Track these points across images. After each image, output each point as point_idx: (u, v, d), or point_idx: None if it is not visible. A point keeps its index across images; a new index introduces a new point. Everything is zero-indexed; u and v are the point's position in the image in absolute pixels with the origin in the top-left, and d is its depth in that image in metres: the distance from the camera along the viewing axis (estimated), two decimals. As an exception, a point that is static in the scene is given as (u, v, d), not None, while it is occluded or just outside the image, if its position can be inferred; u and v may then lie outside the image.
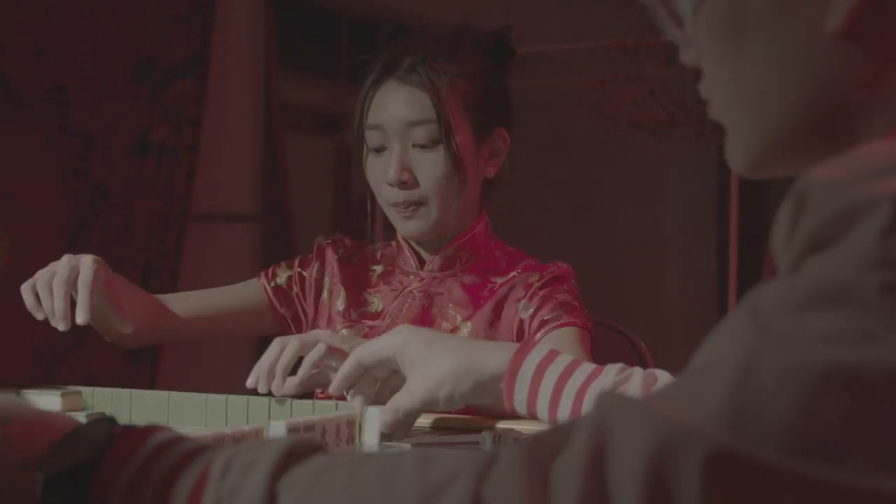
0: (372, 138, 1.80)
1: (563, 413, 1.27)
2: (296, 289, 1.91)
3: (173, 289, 4.00)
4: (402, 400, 1.30)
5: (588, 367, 1.29)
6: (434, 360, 1.31)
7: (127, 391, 1.50)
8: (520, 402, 1.29)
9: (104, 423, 0.77)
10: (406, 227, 1.80)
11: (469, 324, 1.79)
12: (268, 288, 1.90)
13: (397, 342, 1.33)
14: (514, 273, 1.82)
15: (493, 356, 1.32)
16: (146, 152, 4.05)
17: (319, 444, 0.74)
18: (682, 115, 3.96)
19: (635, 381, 1.26)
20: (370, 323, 1.85)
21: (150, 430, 0.77)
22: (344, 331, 1.84)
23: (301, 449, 0.72)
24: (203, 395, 1.48)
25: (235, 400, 1.40)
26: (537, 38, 5.35)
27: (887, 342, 0.60)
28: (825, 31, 0.76)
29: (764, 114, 0.80)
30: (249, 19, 4.41)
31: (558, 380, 1.28)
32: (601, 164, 5.65)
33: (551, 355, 1.31)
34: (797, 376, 0.60)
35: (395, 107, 1.78)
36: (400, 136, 1.78)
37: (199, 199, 4.16)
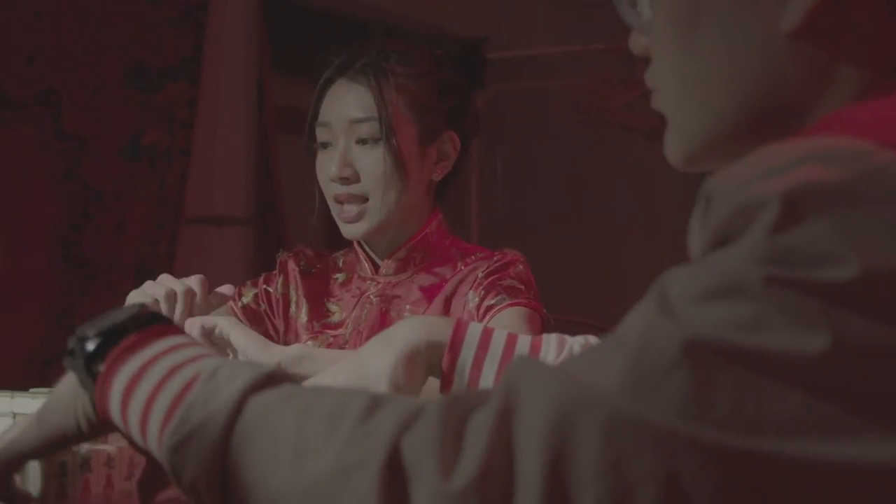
0: (320, 135, 1.86)
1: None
2: (263, 306, 1.93)
3: (166, 292, 4.00)
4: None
5: (528, 339, 1.32)
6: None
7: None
8: (462, 367, 1.30)
9: (143, 311, 0.89)
10: (348, 229, 1.84)
11: None
12: (236, 309, 1.92)
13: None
14: (460, 267, 1.84)
15: (408, 328, 1.35)
16: (139, 155, 4.04)
17: (300, 378, 0.80)
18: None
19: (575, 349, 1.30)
20: (333, 333, 1.88)
21: (165, 329, 0.87)
22: (310, 342, 1.86)
23: (280, 376, 0.79)
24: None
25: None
26: (529, 41, 5.35)
27: (777, 331, 0.63)
28: (780, 30, 0.78)
29: (710, 105, 0.82)
30: (242, 22, 4.40)
31: (506, 346, 1.30)
32: (594, 166, 5.66)
33: (489, 330, 1.33)
34: (691, 353, 0.64)
35: (342, 104, 1.83)
36: (345, 133, 1.82)
37: (192, 202, 4.16)
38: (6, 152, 3.84)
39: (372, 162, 1.81)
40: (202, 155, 4.18)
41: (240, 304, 1.92)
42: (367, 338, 1.80)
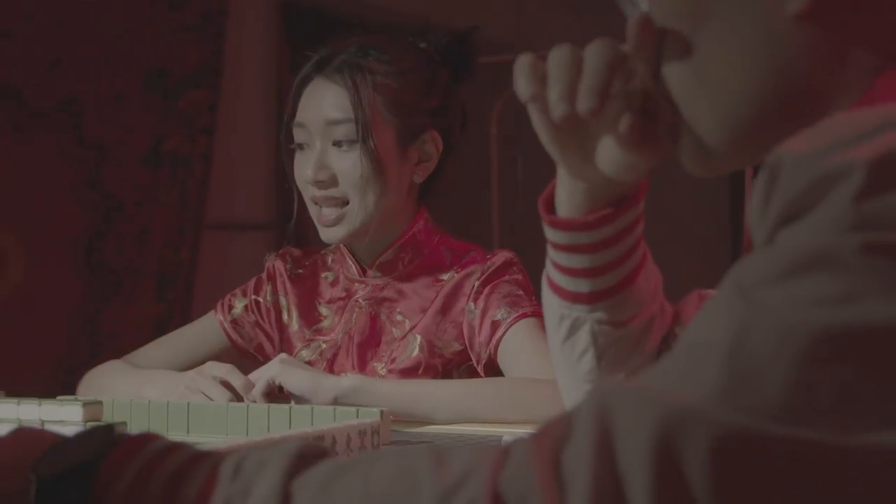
0: (297, 135, 1.79)
1: None
2: (254, 317, 1.88)
3: (188, 298, 4.01)
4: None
5: None
6: None
7: (145, 401, 1.50)
8: None
9: (102, 430, 0.76)
10: (327, 233, 1.78)
11: (418, 336, 1.76)
12: (225, 324, 1.88)
13: None
14: (455, 269, 1.79)
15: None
16: (160, 162, 4.05)
17: (327, 450, 0.74)
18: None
19: None
20: (324, 339, 1.84)
21: (153, 435, 0.76)
22: (304, 352, 1.83)
23: (310, 452, 0.71)
24: (223, 404, 1.48)
25: (256, 408, 1.40)
26: (549, 43, 5.34)
27: (870, 301, 0.61)
28: (787, 13, 0.76)
29: (722, 100, 0.80)
30: (260, 28, 4.41)
31: None
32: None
33: None
34: (787, 345, 0.61)
35: (318, 105, 1.77)
36: (321, 135, 1.76)
37: (214, 208, 4.16)
38: (28, 161, 3.85)
39: (349, 164, 1.74)
40: (223, 161, 4.19)
41: (229, 317, 1.88)
42: (359, 343, 1.79)
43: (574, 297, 1.07)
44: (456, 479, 0.64)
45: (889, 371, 0.60)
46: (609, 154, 0.96)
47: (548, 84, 0.91)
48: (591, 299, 1.07)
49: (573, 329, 1.08)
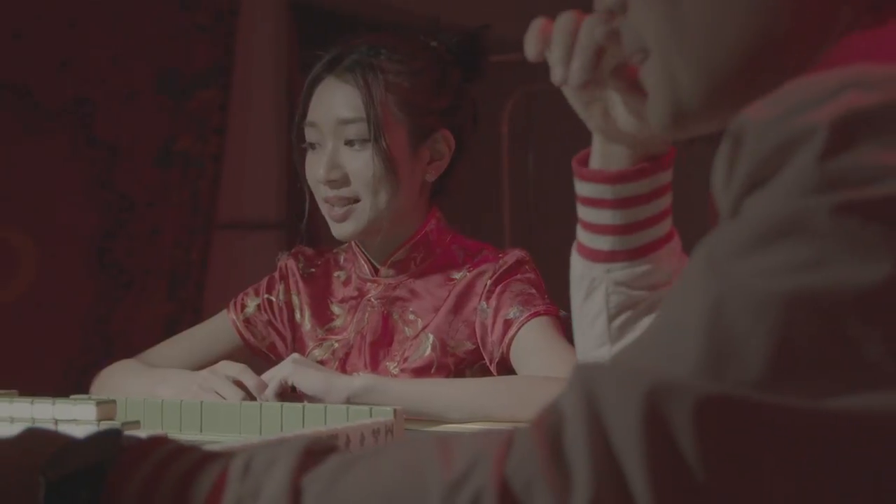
0: (308, 135, 1.79)
1: None
2: (266, 316, 1.88)
3: (200, 298, 4.01)
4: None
5: None
6: None
7: (158, 400, 1.50)
8: None
9: (111, 433, 0.76)
10: (338, 229, 1.77)
11: (430, 335, 1.76)
12: (238, 323, 1.88)
13: None
14: (467, 268, 1.79)
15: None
16: (171, 162, 4.06)
17: (335, 445, 0.74)
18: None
19: None
20: (337, 338, 1.84)
21: (162, 438, 0.76)
22: (316, 352, 1.83)
23: (318, 448, 0.72)
24: (236, 403, 1.48)
25: (269, 407, 1.40)
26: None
27: (842, 264, 0.61)
28: None
29: (702, 59, 0.79)
30: (271, 28, 4.42)
31: None
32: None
33: None
34: (762, 315, 0.61)
35: (330, 104, 1.76)
36: (333, 134, 1.76)
37: (225, 208, 4.17)
38: (39, 161, 3.86)
39: (361, 164, 1.74)
40: (234, 160, 4.20)
41: (242, 316, 1.88)
42: (371, 342, 1.79)
43: (594, 255, 1.11)
44: (462, 469, 0.64)
45: (864, 333, 0.61)
46: (617, 105, 1.04)
47: (550, 48, 1.00)
48: (609, 258, 1.10)
49: (590, 290, 1.11)
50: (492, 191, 4.42)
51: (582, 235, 1.12)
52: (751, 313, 0.62)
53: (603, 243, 1.10)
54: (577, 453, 0.62)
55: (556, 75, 1.00)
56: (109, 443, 0.75)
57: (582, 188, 1.11)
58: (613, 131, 1.06)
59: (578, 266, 1.13)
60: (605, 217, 1.10)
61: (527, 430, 0.65)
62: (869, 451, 0.61)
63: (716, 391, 0.60)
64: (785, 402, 0.60)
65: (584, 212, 1.11)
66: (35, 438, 0.78)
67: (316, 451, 0.71)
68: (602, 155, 1.10)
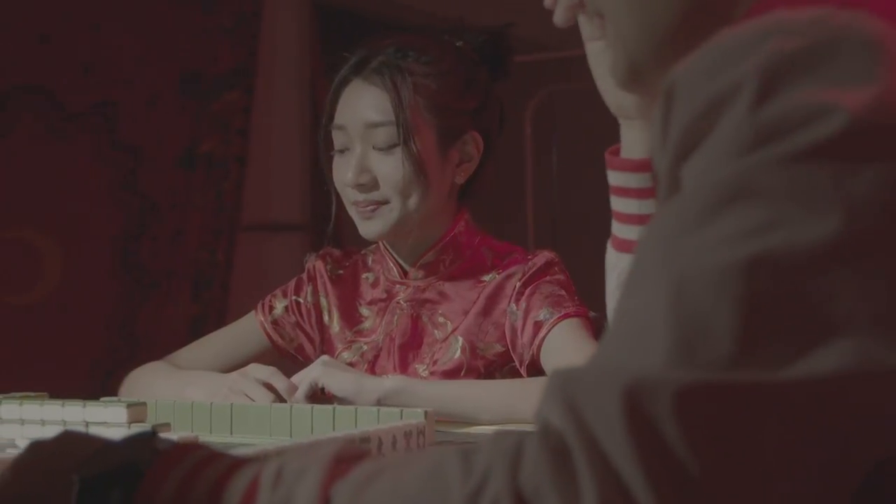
0: (336, 139, 1.77)
1: None
2: (294, 317, 1.88)
3: (225, 299, 4.02)
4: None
5: None
6: None
7: (188, 402, 1.50)
8: None
9: (144, 436, 0.76)
10: (366, 227, 1.76)
11: (460, 338, 1.76)
12: (266, 325, 1.87)
13: None
14: (496, 270, 1.78)
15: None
16: (195, 164, 4.07)
17: (365, 450, 0.74)
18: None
19: None
20: (365, 340, 1.83)
21: (195, 443, 0.77)
22: (345, 354, 1.82)
23: (348, 455, 0.72)
24: (266, 405, 1.48)
25: (300, 409, 1.40)
26: (581, 42, 5.31)
27: (793, 219, 0.61)
28: None
29: (649, 13, 0.80)
30: (294, 30, 4.42)
31: None
32: (648, 166, 5.62)
33: None
34: (723, 289, 0.61)
35: (358, 107, 1.74)
36: (361, 138, 1.74)
37: (249, 210, 4.17)
38: (64, 164, 3.87)
39: (390, 168, 1.72)
40: (258, 162, 4.20)
41: (270, 318, 1.87)
42: (401, 345, 1.79)
43: (623, 245, 1.12)
44: (479, 480, 0.65)
45: (827, 289, 0.60)
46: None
47: None
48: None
49: (619, 281, 1.11)
50: (516, 191, 4.41)
51: (614, 226, 1.13)
52: (712, 289, 0.61)
53: (630, 233, 1.11)
54: (578, 462, 0.62)
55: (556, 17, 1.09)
56: (143, 445, 0.75)
57: (611, 177, 1.12)
58: (621, 104, 1.10)
59: (611, 257, 1.14)
60: (631, 206, 1.11)
61: (534, 438, 0.65)
62: (849, 408, 0.61)
63: (691, 379, 0.60)
64: (758, 378, 0.60)
65: (614, 201, 1.13)
66: (71, 440, 0.78)
67: (346, 458, 0.71)
68: (626, 144, 1.12)
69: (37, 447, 0.78)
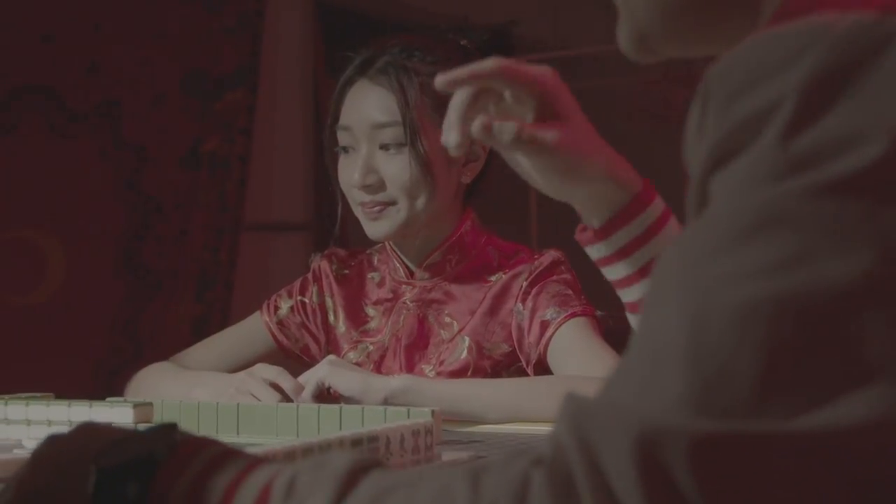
0: (342, 139, 1.76)
1: None
2: (300, 318, 1.87)
3: (228, 299, 4.02)
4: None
5: None
6: None
7: (195, 402, 1.50)
8: None
9: (165, 428, 0.76)
10: (373, 228, 1.74)
11: (466, 338, 1.75)
12: (271, 325, 1.87)
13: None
14: (503, 270, 1.77)
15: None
16: (198, 163, 4.07)
17: (378, 460, 0.73)
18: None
19: None
20: (371, 341, 1.82)
21: (211, 440, 0.76)
22: (350, 354, 1.82)
23: (360, 467, 0.70)
24: (272, 405, 1.48)
25: (306, 409, 1.40)
26: (589, 39, 5.33)
27: (822, 255, 0.57)
28: None
29: None
30: (297, 29, 4.42)
31: None
32: (654, 164, 5.63)
33: None
34: (745, 327, 0.57)
35: (364, 108, 1.73)
36: (367, 138, 1.73)
37: (253, 209, 4.18)
38: (68, 163, 3.88)
39: (397, 168, 1.71)
40: (261, 161, 4.21)
41: (275, 318, 1.87)
42: (407, 345, 1.78)
43: (634, 307, 1.13)
44: None
45: (854, 332, 0.57)
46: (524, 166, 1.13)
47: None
48: (633, 308, 1.11)
49: None
50: (518, 191, 4.41)
51: (619, 294, 1.13)
52: (733, 328, 0.58)
53: (632, 294, 1.10)
54: (585, 502, 0.60)
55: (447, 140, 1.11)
56: (163, 437, 0.75)
57: (588, 252, 1.13)
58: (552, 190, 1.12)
59: (632, 321, 1.15)
60: (619, 271, 1.11)
61: (542, 473, 0.62)
62: (877, 460, 0.57)
63: (707, 430, 0.57)
64: (779, 428, 0.56)
65: (604, 273, 1.12)
66: (89, 432, 0.78)
67: (358, 471, 0.70)
68: (584, 217, 1.12)
69: (55, 439, 0.78)
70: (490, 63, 1.16)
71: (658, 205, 1.12)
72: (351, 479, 0.69)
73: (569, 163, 1.10)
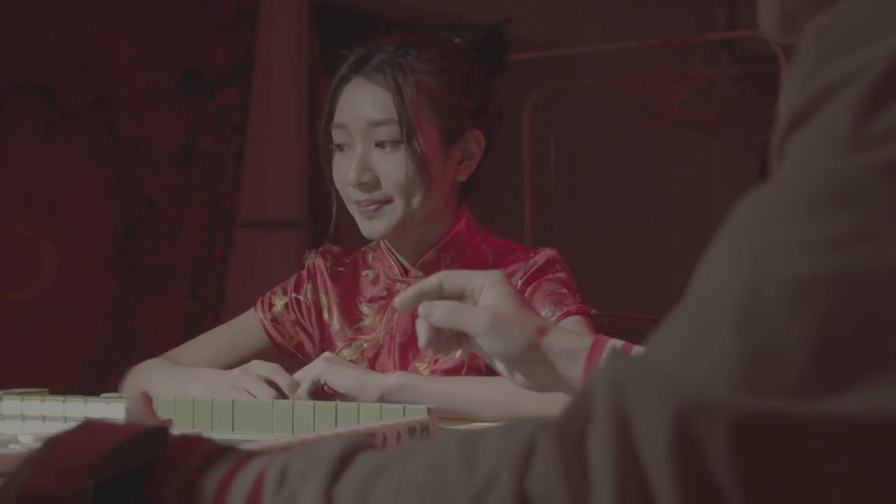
0: (336, 136, 1.75)
1: None
2: (294, 315, 1.87)
3: (221, 296, 4.02)
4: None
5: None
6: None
7: (190, 399, 1.50)
8: None
9: (157, 433, 0.76)
10: (368, 227, 1.74)
11: None
12: (265, 322, 1.86)
13: None
14: (499, 269, 1.77)
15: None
16: (192, 161, 4.07)
17: (368, 443, 0.73)
18: (728, 113, 3.95)
19: None
20: (366, 338, 1.82)
21: (202, 439, 0.77)
22: (345, 352, 1.81)
23: (351, 451, 0.71)
24: (268, 401, 1.48)
25: (301, 405, 1.40)
26: (583, 39, 5.34)
27: (884, 237, 0.56)
28: None
29: None
30: (291, 27, 4.42)
31: None
32: (647, 163, 5.64)
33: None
34: (801, 303, 0.56)
35: (359, 105, 1.73)
36: (363, 136, 1.72)
37: (246, 207, 4.18)
38: (61, 160, 3.87)
39: (393, 166, 1.70)
40: (255, 159, 4.21)
41: (269, 315, 1.86)
42: (401, 343, 1.78)
43: None
44: (485, 481, 0.63)
45: None
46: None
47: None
48: None
49: None
50: (513, 189, 4.42)
51: None
52: (787, 300, 0.56)
53: None
54: (601, 465, 0.59)
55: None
56: (155, 441, 0.75)
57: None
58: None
59: None
60: None
61: (550, 437, 0.62)
62: None
63: (752, 408, 0.55)
64: (827, 410, 0.55)
65: None
66: (89, 432, 0.78)
67: (349, 456, 0.70)
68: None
69: (53, 442, 0.78)
70: (432, 280, 1.30)
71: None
72: (342, 463, 0.70)
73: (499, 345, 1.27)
